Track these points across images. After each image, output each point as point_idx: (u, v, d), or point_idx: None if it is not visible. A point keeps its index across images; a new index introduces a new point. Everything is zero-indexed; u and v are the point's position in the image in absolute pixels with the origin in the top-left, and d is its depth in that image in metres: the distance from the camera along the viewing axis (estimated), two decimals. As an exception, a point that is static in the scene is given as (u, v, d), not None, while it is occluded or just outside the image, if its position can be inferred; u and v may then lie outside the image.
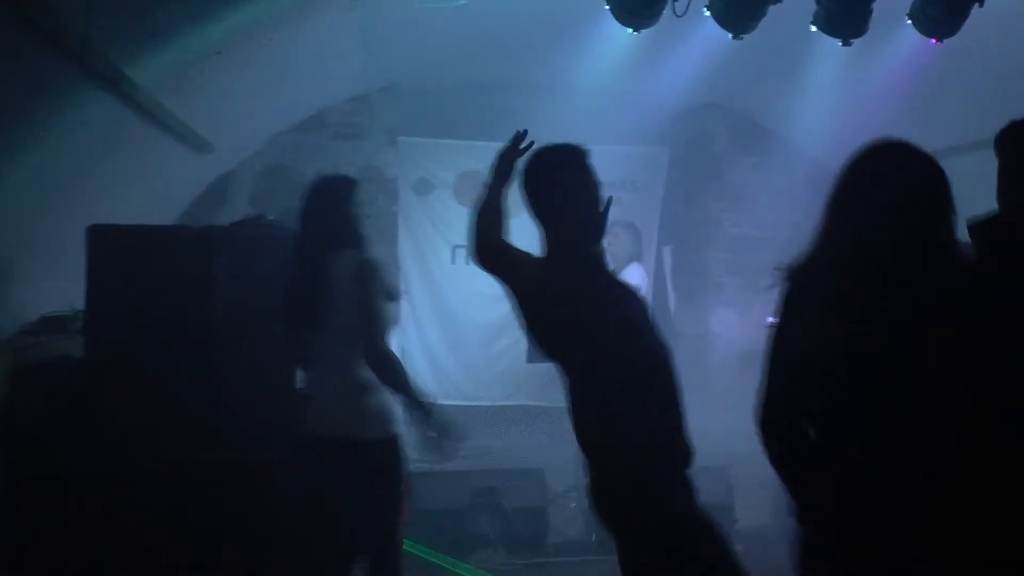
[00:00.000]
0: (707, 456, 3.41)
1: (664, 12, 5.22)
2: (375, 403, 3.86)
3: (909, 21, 5.34)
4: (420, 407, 3.92)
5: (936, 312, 2.35)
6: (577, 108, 7.65)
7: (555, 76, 7.58)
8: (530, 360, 7.06)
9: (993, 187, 2.65)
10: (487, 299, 8.88)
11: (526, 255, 3.28)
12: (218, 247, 4.48)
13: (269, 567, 4.15)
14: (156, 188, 6.92)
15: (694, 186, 9.21)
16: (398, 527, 4.03)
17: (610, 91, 7.80)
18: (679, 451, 3.03)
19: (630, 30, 5.35)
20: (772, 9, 5.19)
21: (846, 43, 5.30)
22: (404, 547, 4.25)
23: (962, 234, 2.56)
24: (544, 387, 8.49)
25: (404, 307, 8.63)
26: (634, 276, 6.18)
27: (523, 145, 3.38)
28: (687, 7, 5.11)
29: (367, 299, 3.80)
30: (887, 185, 2.46)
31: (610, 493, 3.12)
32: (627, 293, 3.26)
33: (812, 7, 5.28)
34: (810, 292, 2.49)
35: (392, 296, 4.04)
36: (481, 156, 8.82)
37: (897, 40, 5.83)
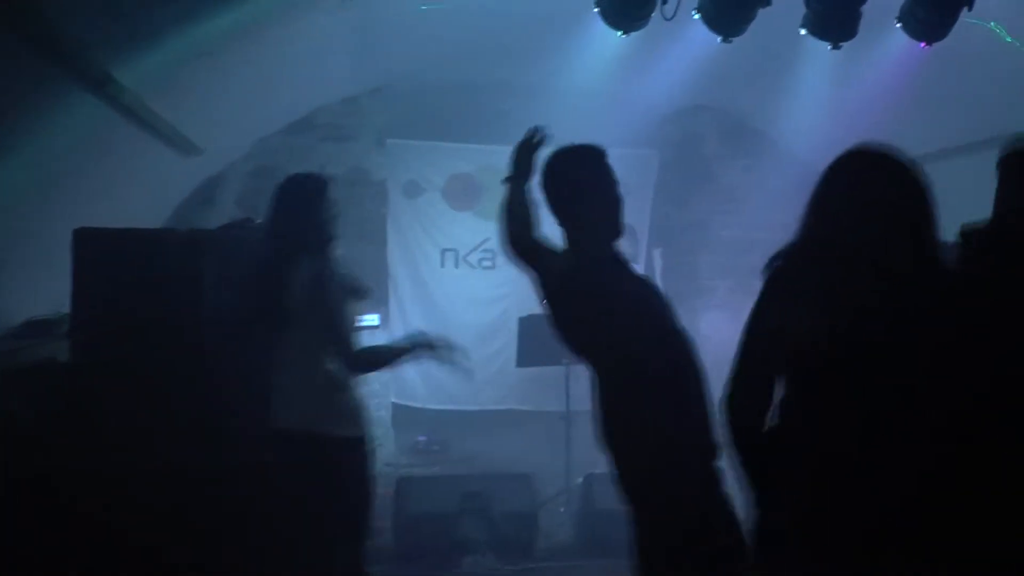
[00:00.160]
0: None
1: (653, 15, 5.20)
2: (344, 402, 3.85)
3: (898, 24, 5.33)
4: (411, 352, 4.00)
5: (913, 310, 2.43)
6: (567, 110, 7.60)
7: (545, 78, 7.57)
8: (520, 364, 7.04)
9: (983, 189, 2.73)
10: (477, 303, 8.88)
11: (554, 251, 3.34)
12: (205, 250, 4.45)
13: (246, 566, 4.11)
14: (143, 191, 6.88)
15: (684, 188, 9.20)
16: (365, 527, 3.99)
17: (600, 93, 7.78)
18: (706, 444, 3.09)
19: (619, 33, 5.34)
20: (761, 12, 5.18)
21: (835, 46, 5.29)
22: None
23: (948, 234, 2.60)
24: (534, 391, 8.48)
25: (393, 310, 8.61)
26: None
27: (537, 139, 3.49)
28: (676, 10, 5.10)
29: (329, 311, 3.79)
30: (866, 188, 2.56)
31: (635, 480, 3.20)
32: (650, 288, 3.31)
33: (801, 10, 5.27)
34: (786, 287, 2.58)
35: (360, 295, 4.01)
36: (471, 159, 8.91)
37: (886, 43, 5.83)
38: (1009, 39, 5.34)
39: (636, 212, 8.56)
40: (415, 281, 8.86)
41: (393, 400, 8.72)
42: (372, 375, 8.16)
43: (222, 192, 8.15)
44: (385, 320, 7.94)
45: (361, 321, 6.35)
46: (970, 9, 5.00)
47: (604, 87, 7.67)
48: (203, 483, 4.22)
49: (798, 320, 2.48)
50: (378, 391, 8.53)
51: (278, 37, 5.96)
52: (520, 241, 3.43)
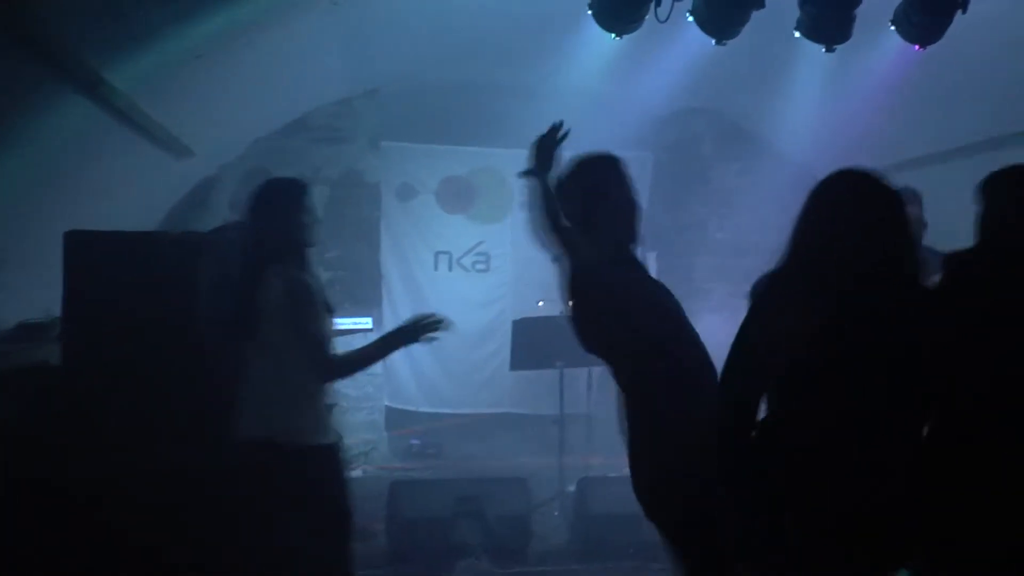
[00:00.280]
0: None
1: (647, 17, 5.19)
2: (311, 410, 3.79)
3: (893, 27, 5.33)
4: (394, 344, 3.99)
5: (889, 329, 2.53)
6: (561, 113, 7.55)
7: (539, 81, 7.55)
8: (514, 367, 7.02)
9: (971, 192, 2.85)
10: (471, 306, 8.88)
11: (581, 243, 3.38)
12: (198, 253, 4.42)
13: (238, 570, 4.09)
14: (135, 194, 6.86)
15: (679, 191, 9.19)
16: (342, 538, 3.94)
17: (594, 95, 7.77)
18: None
19: (613, 35, 5.32)
20: (755, 15, 5.17)
21: (830, 49, 5.29)
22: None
23: (938, 237, 2.66)
24: (528, 395, 8.47)
25: (386, 314, 8.60)
26: None
27: (560, 134, 3.54)
28: (669, 12, 5.08)
29: (300, 323, 3.73)
30: (848, 212, 2.65)
31: (653, 480, 3.22)
32: (667, 293, 3.40)
33: (796, 13, 5.26)
34: (772, 305, 2.68)
35: (330, 309, 3.96)
36: (464, 161, 8.90)
37: (880, 46, 5.82)
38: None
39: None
40: (408, 284, 8.86)
41: (387, 403, 8.71)
42: (366, 379, 8.28)
43: (215, 194, 8.12)
44: (378, 323, 7.92)
45: (355, 324, 6.37)
46: (964, 12, 5.00)
47: (599, 89, 7.66)
48: (197, 486, 4.19)
49: (783, 340, 2.57)
50: (372, 394, 8.52)
51: (271, 39, 5.94)
52: (552, 229, 3.49)
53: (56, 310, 4.50)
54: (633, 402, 3.30)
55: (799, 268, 2.67)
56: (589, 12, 5.22)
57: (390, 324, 8.52)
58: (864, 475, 2.52)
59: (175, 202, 7.90)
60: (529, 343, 6.77)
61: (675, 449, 3.11)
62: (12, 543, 4.11)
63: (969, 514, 2.50)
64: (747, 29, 5.24)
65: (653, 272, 8.57)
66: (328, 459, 3.86)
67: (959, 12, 5.03)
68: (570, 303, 3.42)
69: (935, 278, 2.74)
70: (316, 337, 3.75)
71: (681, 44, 6.22)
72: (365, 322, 6.64)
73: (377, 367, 8.49)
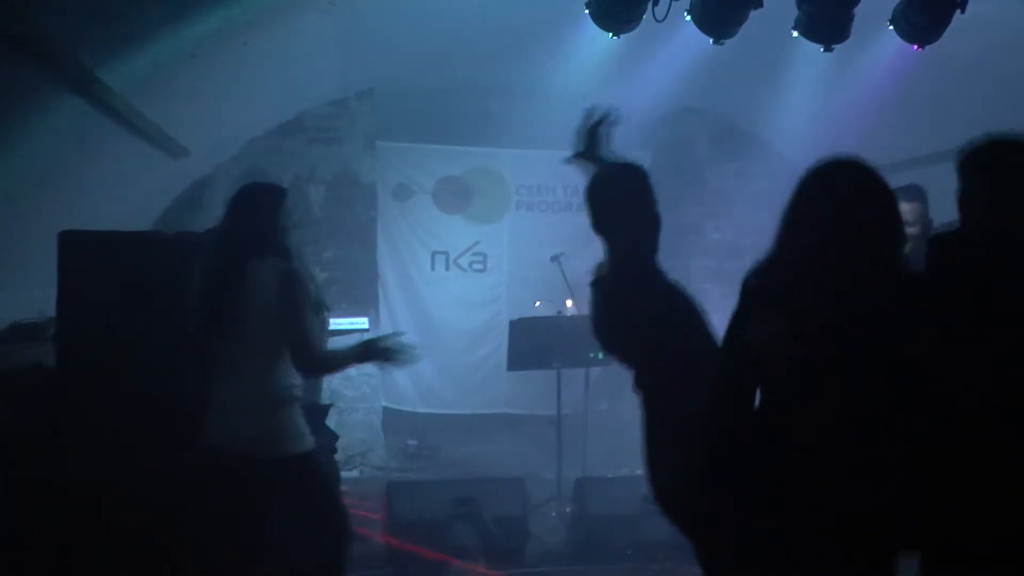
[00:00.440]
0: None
1: (644, 16, 5.17)
2: (286, 419, 3.75)
3: (891, 27, 5.31)
4: (369, 357, 3.90)
5: (880, 322, 2.51)
6: (557, 113, 7.54)
7: (535, 80, 7.54)
8: (511, 368, 7.00)
9: None
10: (467, 306, 8.87)
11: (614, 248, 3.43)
12: (193, 253, 4.39)
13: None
14: (130, 194, 6.84)
15: (675, 192, 9.15)
16: (333, 547, 3.90)
17: (590, 96, 7.74)
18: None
19: (610, 35, 5.31)
20: (753, 14, 5.15)
21: (828, 49, 5.27)
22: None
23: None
24: (525, 396, 8.45)
25: (383, 314, 8.58)
26: None
27: (601, 119, 3.56)
28: (667, 12, 5.07)
29: (292, 310, 3.69)
30: (837, 202, 2.62)
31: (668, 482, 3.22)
32: (689, 300, 3.37)
33: (794, 12, 5.24)
34: (762, 300, 2.66)
35: (317, 308, 3.93)
36: (461, 161, 8.89)
37: (879, 46, 5.81)
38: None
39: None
40: (405, 284, 8.84)
41: (383, 404, 8.69)
42: (362, 380, 8.26)
43: (210, 194, 8.09)
44: (375, 324, 7.90)
45: (351, 325, 6.35)
46: (963, 11, 4.99)
47: (594, 89, 7.61)
48: (192, 488, 4.16)
49: (774, 335, 2.56)
50: (368, 395, 8.50)
51: (266, 39, 5.92)
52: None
53: (50, 310, 4.49)
54: (656, 404, 3.30)
55: (790, 264, 2.65)
56: (586, 12, 5.20)
57: (387, 325, 8.53)
58: (864, 475, 2.50)
59: (170, 202, 7.88)
60: (527, 343, 6.75)
61: (691, 450, 3.13)
62: (18, 543, 4.09)
63: (969, 514, 2.48)
64: (745, 28, 5.23)
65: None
66: (305, 469, 3.82)
67: (958, 12, 5.01)
68: (596, 306, 3.41)
69: (922, 261, 2.69)
70: (304, 325, 3.72)
71: (678, 44, 6.20)
72: (361, 323, 6.61)
73: (373, 368, 8.49)
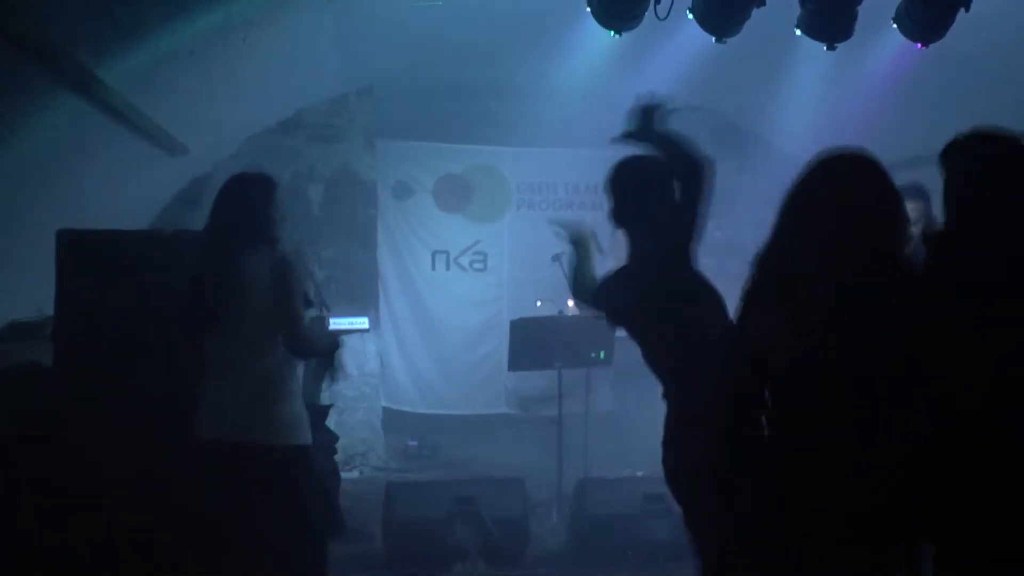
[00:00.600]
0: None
1: (646, 14, 5.14)
2: (282, 409, 3.73)
3: (894, 25, 5.28)
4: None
5: (881, 317, 2.50)
6: (558, 111, 7.59)
7: (536, 78, 7.52)
8: (512, 368, 6.98)
9: None
10: (468, 305, 8.83)
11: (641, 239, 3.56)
12: (191, 252, 4.37)
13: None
14: (128, 192, 6.82)
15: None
16: (317, 545, 3.88)
17: (591, 93, 7.73)
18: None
19: (612, 33, 5.28)
20: (756, 12, 5.12)
21: (831, 47, 5.24)
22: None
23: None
24: (525, 395, 8.42)
25: (383, 314, 8.56)
26: None
27: (658, 103, 3.64)
28: (669, 10, 5.03)
29: (284, 298, 3.68)
30: (838, 194, 2.62)
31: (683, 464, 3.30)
32: (713, 290, 3.51)
33: (797, 10, 5.22)
34: (764, 295, 2.67)
35: (308, 302, 3.91)
36: (461, 159, 8.85)
37: (882, 44, 5.79)
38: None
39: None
40: (405, 283, 8.81)
41: (383, 404, 8.66)
42: (362, 380, 8.24)
43: (209, 193, 8.02)
44: (375, 323, 7.87)
45: (351, 324, 6.32)
46: (967, 10, 4.95)
47: (595, 87, 7.62)
48: (193, 486, 4.15)
49: (773, 331, 2.57)
50: (368, 395, 8.48)
51: (266, 35, 5.90)
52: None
53: (48, 309, 4.48)
54: (678, 390, 3.38)
55: (790, 256, 2.64)
56: (588, 9, 5.17)
57: (387, 324, 8.51)
58: (864, 475, 2.50)
59: (168, 200, 7.86)
60: (527, 343, 6.73)
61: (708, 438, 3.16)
62: (7, 542, 4.08)
63: (969, 514, 2.48)
64: (747, 26, 5.20)
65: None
66: (300, 461, 3.78)
67: (962, 9, 4.98)
68: (621, 295, 3.52)
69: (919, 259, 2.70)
70: (296, 313, 3.70)
71: (679, 42, 6.17)
72: (361, 322, 6.57)
73: (374, 367, 8.48)
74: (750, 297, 2.70)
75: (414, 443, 8.58)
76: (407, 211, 8.85)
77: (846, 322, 2.51)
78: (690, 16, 5.20)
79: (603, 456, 7.11)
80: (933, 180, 2.72)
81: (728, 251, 8.78)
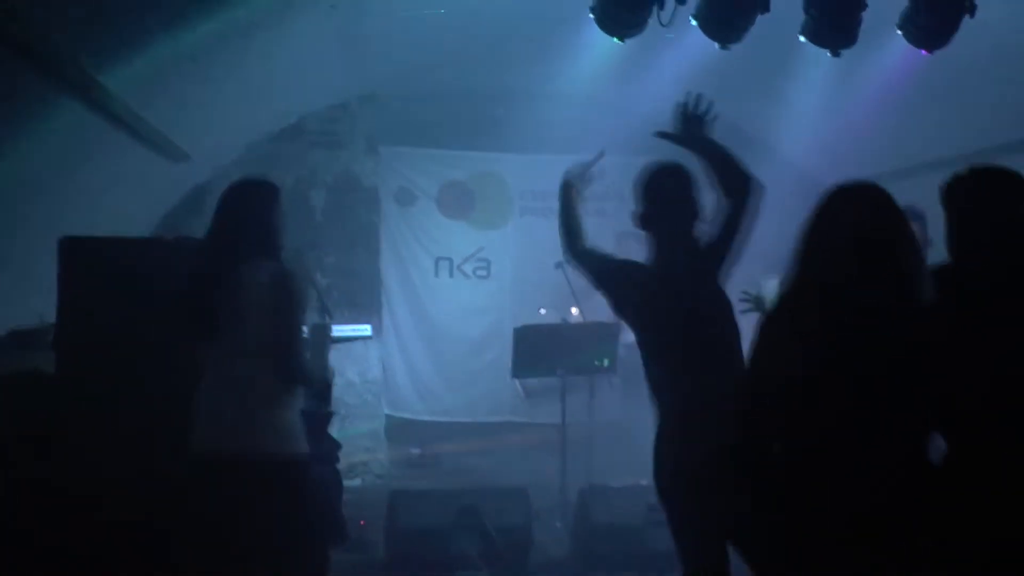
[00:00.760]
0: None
1: (649, 21, 5.13)
2: (278, 419, 3.66)
3: (899, 32, 5.27)
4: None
5: (891, 327, 2.54)
6: (561, 117, 7.58)
7: (539, 85, 7.51)
8: (515, 375, 6.95)
9: None
10: (471, 313, 8.81)
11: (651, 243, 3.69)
12: (193, 259, 4.35)
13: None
14: (130, 198, 6.81)
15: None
16: (314, 557, 3.85)
17: (594, 100, 7.73)
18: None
19: (615, 39, 5.26)
20: (760, 18, 5.11)
21: (835, 54, 5.23)
22: None
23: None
24: (529, 403, 8.39)
25: (385, 321, 8.54)
26: None
27: (707, 108, 3.84)
28: (672, 16, 5.02)
29: (282, 311, 3.62)
30: (855, 228, 2.63)
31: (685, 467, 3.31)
32: (731, 315, 3.53)
33: (801, 17, 5.20)
34: (783, 327, 2.68)
35: (322, 315, 3.87)
36: (464, 166, 8.84)
37: (886, 51, 5.77)
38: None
39: (631, 221, 8.49)
40: (408, 290, 8.79)
41: (387, 412, 8.64)
42: (365, 388, 8.22)
43: (211, 200, 8.01)
44: (378, 330, 7.85)
45: (354, 331, 6.30)
46: (972, 16, 4.94)
47: (599, 94, 7.61)
48: (188, 493, 4.13)
49: (796, 362, 2.58)
50: (371, 403, 8.46)
51: (267, 42, 5.89)
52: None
53: (50, 316, 4.48)
54: (671, 386, 3.43)
55: (811, 292, 2.66)
56: (591, 16, 5.15)
57: (389, 331, 8.49)
58: (864, 475, 2.52)
59: (170, 207, 7.85)
60: (531, 350, 6.71)
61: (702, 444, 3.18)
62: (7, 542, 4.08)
63: (970, 514, 2.49)
64: (751, 33, 5.18)
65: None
66: (296, 472, 3.74)
67: (966, 16, 4.97)
68: (634, 292, 3.58)
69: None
70: (294, 329, 3.65)
71: (683, 48, 6.16)
72: (364, 329, 6.55)
73: (376, 375, 8.46)
74: (772, 333, 2.71)
75: (417, 451, 8.56)
76: (410, 217, 8.84)
77: (854, 327, 2.53)
78: (694, 22, 5.19)
79: (607, 464, 7.09)
80: (934, 188, 2.73)
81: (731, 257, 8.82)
